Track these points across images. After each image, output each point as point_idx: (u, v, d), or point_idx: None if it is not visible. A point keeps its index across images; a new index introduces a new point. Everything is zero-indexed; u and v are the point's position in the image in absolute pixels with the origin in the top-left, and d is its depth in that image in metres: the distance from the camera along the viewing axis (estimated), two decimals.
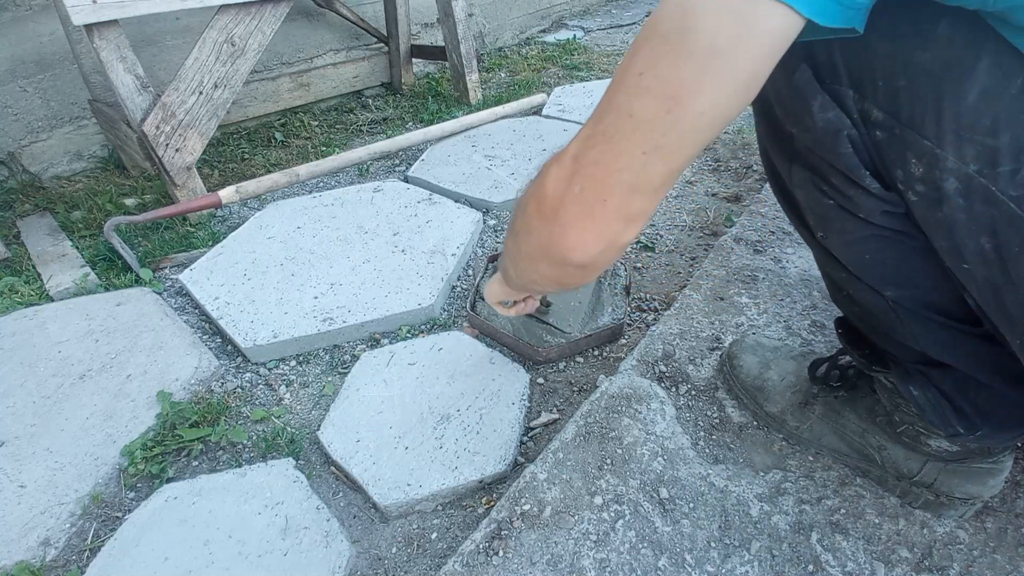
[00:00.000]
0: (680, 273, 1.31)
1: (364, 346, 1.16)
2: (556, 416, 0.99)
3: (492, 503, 0.84)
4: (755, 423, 0.85)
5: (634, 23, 3.49)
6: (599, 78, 2.54)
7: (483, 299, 1.20)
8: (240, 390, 1.08)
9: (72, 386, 1.05)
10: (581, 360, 1.10)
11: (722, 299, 1.07)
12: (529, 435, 0.96)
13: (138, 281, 1.36)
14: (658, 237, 1.44)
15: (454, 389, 1.01)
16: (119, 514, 0.88)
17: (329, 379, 1.10)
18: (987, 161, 0.41)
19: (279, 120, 2.27)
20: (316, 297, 1.22)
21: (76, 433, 0.97)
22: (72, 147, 1.93)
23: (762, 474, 0.78)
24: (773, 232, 1.25)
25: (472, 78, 2.28)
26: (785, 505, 0.74)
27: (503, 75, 2.73)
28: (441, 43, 2.29)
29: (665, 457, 0.80)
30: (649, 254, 1.39)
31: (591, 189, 0.47)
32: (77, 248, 1.48)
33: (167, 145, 1.47)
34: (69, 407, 1.01)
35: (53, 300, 1.30)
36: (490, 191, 1.61)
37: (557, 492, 0.76)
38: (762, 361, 0.87)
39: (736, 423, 0.85)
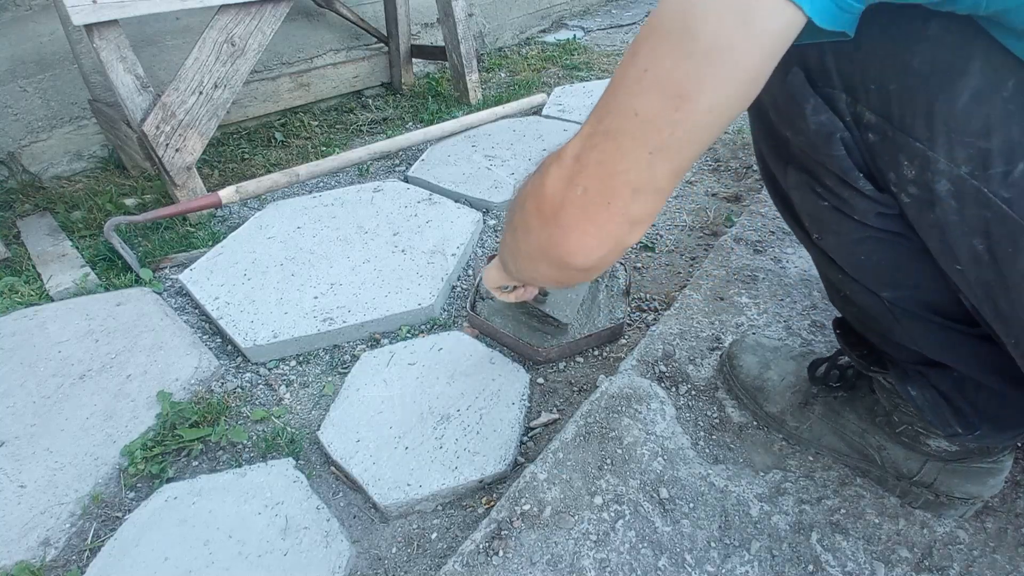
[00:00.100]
0: (680, 273, 1.31)
1: (364, 346, 1.16)
2: (556, 416, 0.99)
3: (492, 503, 0.84)
4: (755, 423, 0.85)
5: (634, 23, 3.49)
6: (599, 78, 2.55)
7: (483, 299, 1.20)
8: (240, 390, 1.08)
9: (72, 386, 1.06)
10: (581, 360, 1.10)
11: (722, 299, 1.07)
12: (529, 435, 0.96)
13: (138, 281, 1.36)
14: (658, 237, 1.44)
15: (454, 389, 1.01)
16: (119, 514, 0.88)
17: (329, 379, 1.10)
18: (979, 163, 0.42)
19: (279, 120, 2.27)
20: (316, 297, 1.22)
21: (76, 433, 0.97)
22: (72, 147, 1.93)
23: (762, 474, 0.78)
24: (773, 232, 1.25)
25: (472, 78, 2.28)
26: (785, 505, 0.74)
27: (503, 75, 2.73)
28: (441, 43, 2.29)
29: (665, 457, 0.80)
30: (649, 254, 1.39)
31: (594, 191, 0.46)
32: (77, 248, 1.48)
33: (167, 145, 1.47)
34: (69, 407, 1.01)
35: (53, 300, 1.30)
36: (490, 191, 1.61)
37: (557, 492, 0.76)
38: (762, 361, 0.87)
39: (736, 423, 0.85)
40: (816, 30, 0.38)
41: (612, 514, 0.73)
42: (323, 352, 1.16)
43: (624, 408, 0.86)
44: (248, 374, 1.11)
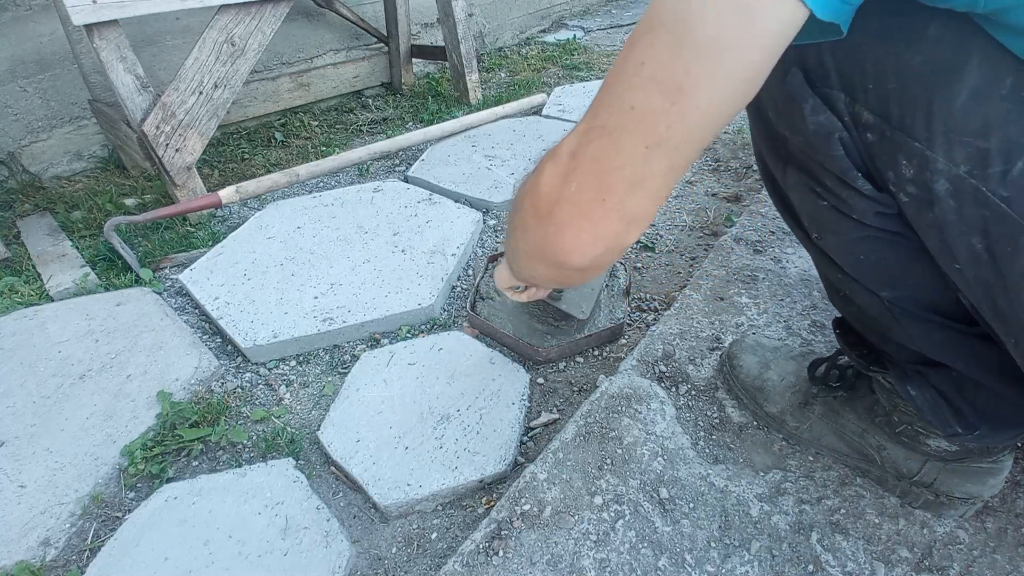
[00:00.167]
0: (680, 273, 1.31)
1: (364, 346, 1.16)
2: (556, 416, 0.99)
3: (492, 503, 0.84)
4: (755, 423, 0.85)
5: (634, 23, 3.48)
6: (599, 78, 2.54)
7: (483, 299, 1.20)
8: (240, 390, 1.08)
9: (72, 386, 1.06)
10: (581, 360, 1.10)
11: (722, 299, 1.07)
12: (529, 435, 0.96)
13: (138, 281, 1.36)
14: (658, 237, 1.44)
15: (454, 389, 1.01)
16: (119, 514, 0.88)
17: (329, 379, 1.10)
18: (977, 162, 0.41)
19: (279, 120, 2.27)
20: (316, 297, 1.22)
21: (76, 433, 0.97)
22: (72, 147, 1.93)
23: (762, 474, 0.78)
24: (773, 232, 1.25)
25: (472, 78, 2.28)
26: (785, 505, 0.74)
27: (503, 75, 2.73)
28: (441, 43, 2.29)
29: (665, 457, 0.80)
30: (649, 254, 1.39)
31: (588, 187, 0.45)
32: (77, 248, 1.48)
33: (167, 145, 1.47)
34: (69, 407, 1.01)
35: (53, 300, 1.30)
36: (490, 191, 1.61)
37: (557, 492, 0.76)
38: (762, 361, 0.87)
39: (736, 423, 0.85)
40: (814, 28, 0.37)
41: (612, 514, 0.73)
42: (323, 352, 1.16)
43: (624, 408, 0.86)
44: (248, 374, 1.11)
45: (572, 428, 0.84)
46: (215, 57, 1.48)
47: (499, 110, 2.03)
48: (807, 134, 0.51)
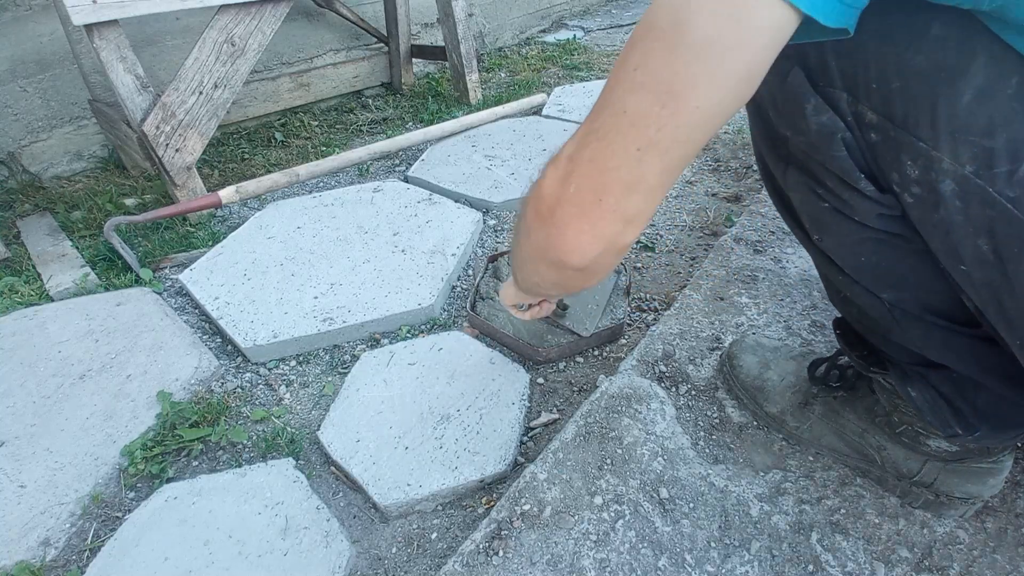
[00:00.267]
0: (680, 273, 1.31)
1: (364, 346, 1.16)
2: (556, 416, 0.99)
3: (492, 503, 0.84)
4: (755, 423, 0.85)
5: (634, 23, 3.48)
6: (599, 78, 2.55)
7: (483, 299, 1.20)
8: (240, 390, 1.08)
9: (72, 386, 1.06)
10: (581, 360, 1.10)
11: (722, 299, 1.07)
12: (529, 435, 0.96)
13: (138, 281, 1.36)
14: (658, 237, 1.44)
15: (454, 389, 1.01)
16: (119, 514, 0.88)
17: (329, 379, 1.10)
18: (983, 162, 0.41)
19: (279, 120, 2.27)
20: (316, 297, 1.22)
21: (76, 433, 0.97)
22: (72, 147, 1.93)
23: (762, 474, 0.78)
24: (773, 232, 1.25)
25: (472, 78, 2.28)
26: (785, 505, 0.74)
27: (503, 75, 2.73)
28: (441, 43, 2.29)
29: (665, 457, 0.80)
30: (649, 254, 1.39)
31: (587, 188, 0.46)
32: (77, 248, 1.48)
33: (167, 145, 1.47)
34: (69, 407, 1.01)
35: (53, 300, 1.30)
36: (490, 191, 1.61)
37: (557, 492, 0.76)
38: (762, 361, 0.87)
39: (736, 423, 0.85)
40: (817, 28, 0.37)
41: (612, 514, 0.73)
42: (323, 352, 1.16)
43: (624, 408, 0.86)
44: (248, 374, 1.11)
45: (572, 428, 0.84)
46: (215, 57, 1.48)
47: (499, 110, 2.03)
48: (809, 134, 0.51)
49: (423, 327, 1.20)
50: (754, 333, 0.99)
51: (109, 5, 1.28)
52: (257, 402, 1.06)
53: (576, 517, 0.73)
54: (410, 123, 2.24)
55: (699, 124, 0.41)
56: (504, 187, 1.63)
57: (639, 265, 1.35)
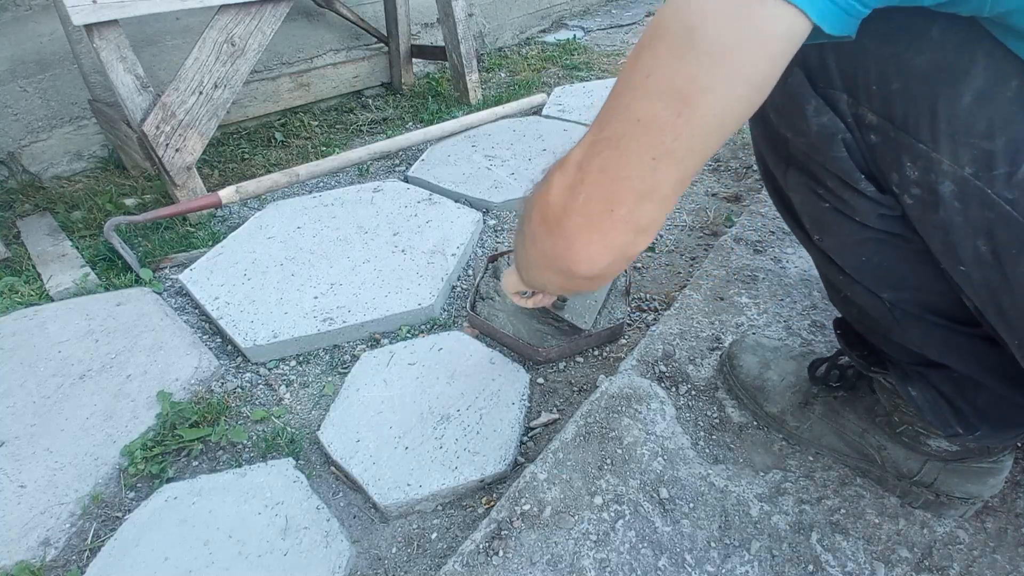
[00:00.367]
0: (680, 273, 1.31)
1: (364, 346, 1.16)
2: (556, 416, 0.99)
3: (492, 503, 0.84)
4: (755, 423, 0.85)
5: (634, 23, 3.49)
6: (599, 78, 2.54)
7: (483, 299, 1.20)
8: (240, 390, 1.08)
9: (72, 386, 1.06)
10: (581, 360, 1.10)
11: (722, 299, 1.07)
12: (529, 435, 0.96)
13: (138, 281, 1.36)
14: (658, 237, 1.44)
15: (454, 389, 1.01)
16: (119, 514, 0.88)
17: (329, 379, 1.10)
18: (983, 164, 0.41)
19: (279, 120, 2.27)
20: (316, 297, 1.22)
21: (76, 433, 0.97)
22: (72, 147, 1.93)
23: (762, 474, 0.78)
24: (773, 232, 1.25)
25: (472, 78, 2.28)
26: (785, 505, 0.74)
27: (503, 75, 2.73)
28: (441, 43, 2.29)
29: (665, 457, 0.80)
30: (649, 254, 1.39)
31: (597, 198, 0.46)
32: (77, 248, 1.48)
33: (167, 145, 1.47)
34: (69, 407, 1.01)
35: (53, 300, 1.30)
36: (490, 191, 1.61)
37: (557, 492, 0.76)
38: (762, 361, 0.87)
39: (736, 423, 0.85)
40: (821, 33, 0.37)
41: (612, 514, 0.73)
42: (323, 352, 1.16)
43: (624, 408, 0.86)
44: (248, 374, 1.11)
45: (572, 428, 0.84)
46: (215, 57, 1.48)
47: (499, 110, 2.03)
48: (809, 135, 0.51)
49: (423, 327, 1.20)
50: (754, 333, 0.99)
51: (109, 5, 1.28)
52: (257, 402, 1.06)
53: (576, 517, 0.73)
54: (410, 123, 2.24)
55: (714, 131, 0.41)
56: (504, 187, 1.63)
57: (639, 265, 1.35)
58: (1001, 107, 0.40)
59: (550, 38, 3.30)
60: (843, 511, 0.73)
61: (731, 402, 0.88)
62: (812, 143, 0.51)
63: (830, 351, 0.88)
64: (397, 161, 1.93)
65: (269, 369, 1.12)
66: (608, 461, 0.79)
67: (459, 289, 1.31)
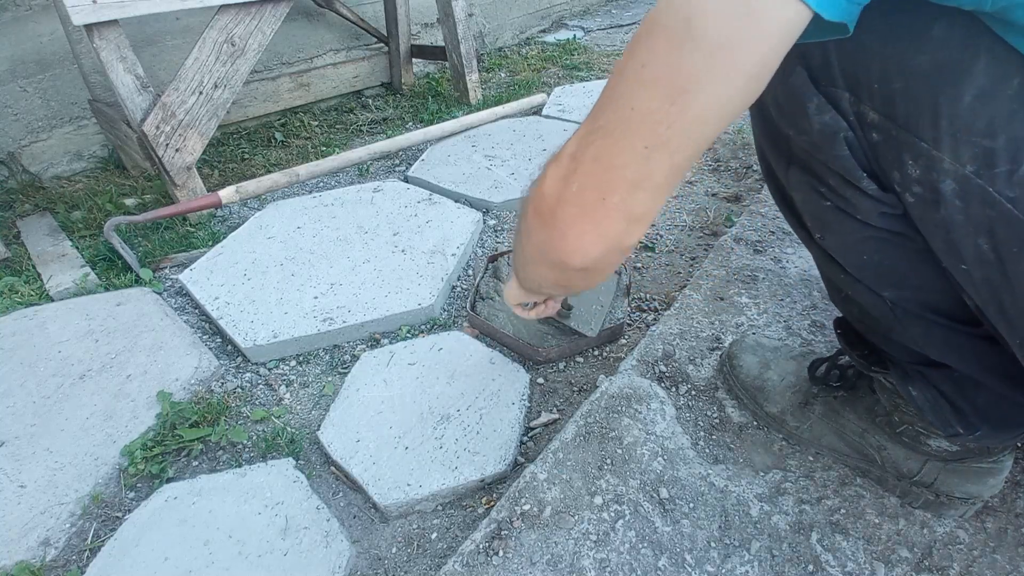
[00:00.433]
0: (680, 273, 1.31)
1: (364, 346, 1.16)
2: (556, 416, 0.99)
3: (492, 503, 0.84)
4: (755, 423, 0.85)
5: (634, 23, 3.49)
6: (599, 78, 2.55)
7: (483, 299, 1.20)
8: (240, 390, 1.08)
9: (72, 386, 1.05)
10: (581, 360, 1.10)
11: (722, 299, 1.07)
12: (529, 435, 0.96)
13: (138, 281, 1.36)
14: (658, 237, 1.44)
15: (454, 389, 1.01)
16: (119, 514, 0.88)
17: (329, 379, 1.10)
18: (984, 162, 0.41)
19: (279, 120, 2.27)
20: (316, 297, 1.22)
21: (76, 433, 0.97)
22: (72, 147, 1.93)
23: (762, 474, 0.78)
24: (773, 232, 1.25)
25: (472, 78, 2.28)
26: (785, 505, 0.74)
27: (503, 75, 2.73)
28: (441, 43, 2.29)
29: (665, 457, 0.80)
30: (649, 254, 1.39)
31: (590, 187, 0.46)
32: (77, 248, 1.48)
33: (167, 145, 1.47)
34: (69, 407, 1.01)
35: (53, 300, 1.30)
36: (490, 191, 1.61)
37: (557, 492, 0.76)
38: (762, 361, 0.87)
39: (736, 423, 0.85)
40: (818, 27, 0.37)
41: (612, 514, 0.73)
42: (323, 352, 1.16)
43: (624, 408, 0.86)
44: (248, 374, 1.11)
45: (572, 428, 0.84)
46: (215, 57, 1.48)
47: (499, 110, 2.03)
48: (811, 133, 0.51)
49: (423, 327, 1.20)
50: (754, 333, 0.99)
51: (109, 5, 1.28)
52: (257, 402, 1.06)
53: (576, 517, 0.73)
54: (410, 123, 2.24)
55: (709, 121, 0.41)
56: (504, 187, 1.63)
57: (639, 265, 1.35)
58: (1002, 105, 0.40)
59: (550, 38, 3.30)
60: (843, 511, 0.73)
61: (731, 402, 0.88)
62: (814, 141, 0.51)
63: (830, 351, 0.87)
64: (397, 161, 1.93)
65: (269, 369, 1.12)
66: (608, 461, 0.79)
67: (459, 289, 1.31)
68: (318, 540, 0.79)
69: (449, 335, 1.13)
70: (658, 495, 0.75)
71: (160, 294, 1.32)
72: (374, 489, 0.85)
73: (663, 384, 0.91)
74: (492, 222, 1.55)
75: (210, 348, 1.15)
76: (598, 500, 0.75)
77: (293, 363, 1.14)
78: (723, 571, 0.68)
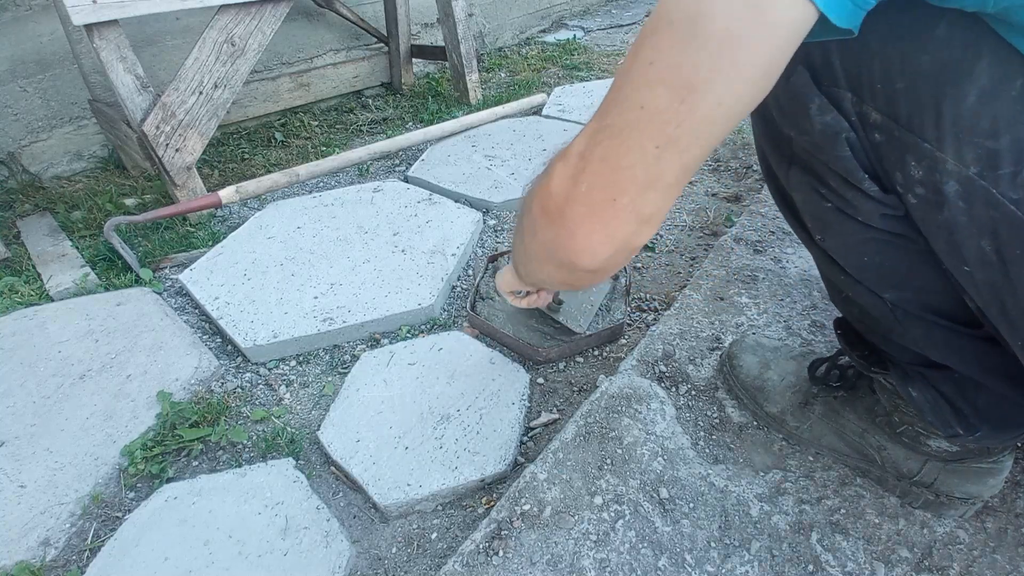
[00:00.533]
0: (680, 273, 1.31)
1: (364, 346, 1.16)
2: (556, 416, 0.99)
3: (492, 503, 0.84)
4: (755, 423, 0.85)
5: (634, 23, 3.49)
6: (599, 78, 2.54)
7: (483, 299, 1.20)
8: (240, 390, 1.08)
9: (72, 386, 1.05)
10: (581, 360, 1.10)
11: (722, 299, 1.07)
12: (529, 435, 0.96)
13: (138, 281, 1.36)
14: (658, 237, 1.44)
15: (454, 389, 1.01)
16: (119, 514, 0.88)
17: (329, 379, 1.10)
18: (987, 163, 0.41)
19: (279, 120, 2.27)
20: (316, 297, 1.22)
21: (76, 433, 0.97)
22: (72, 147, 1.93)
23: (762, 474, 0.78)
24: (773, 232, 1.25)
25: (472, 78, 2.28)
26: (785, 505, 0.74)
27: (503, 75, 2.73)
28: (441, 43, 2.29)
29: (665, 457, 0.80)
30: (649, 254, 1.39)
31: (599, 187, 0.45)
32: (77, 248, 1.48)
33: (167, 145, 1.47)
34: (69, 407, 1.01)
35: (53, 300, 1.30)
36: (490, 191, 1.61)
37: (557, 492, 0.76)
38: (762, 361, 0.87)
39: (736, 423, 0.85)
40: (824, 28, 0.37)
41: (612, 514, 0.73)
42: (323, 352, 1.16)
43: (624, 408, 0.86)
44: (248, 374, 1.11)
45: (572, 428, 0.84)
46: (215, 57, 1.48)
47: (499, 110, 2.03)
48: (813, 134, 0.50)
49: (423, 327, 1.20)
50: (754, 333, 0.99)
51: (109, 5, 1.28)
52: (257, 402, 1.06)
53: (576, 517, 0.73)
54: (410, 123, 2.24)
55: (719, 119, 0.40)
56: (504, 187, 1.63)
57: (639, 265, 1.35)
58: (1006, 106, 0.40)
59: (550, 38, 3.30)
60: (843, 511, 0.73)
61: (731, 402, 0.88)
62: (815, 142, 0.51)
63: (830, 351, 0.88)
64: (397, 161, 1.93)
65: (269, 369, 1.12)
66: (608, 461, 0.79)
67: (459, 289, 1.31)
68: (318, 540, 0.79)
69: (449, 335, 1.13)
70: (658, 495, 0.75)
71: (160, 294, 1.32)
72: (374, 489, 0.85)
73: (663, 384, 0.91)
74: (492, 222, 1.55)
75: (210, 348, 1.15)
76: (598, 500, 0.75)
77: (293, 363, 1.14)
78: (723, 571, 0.68)
